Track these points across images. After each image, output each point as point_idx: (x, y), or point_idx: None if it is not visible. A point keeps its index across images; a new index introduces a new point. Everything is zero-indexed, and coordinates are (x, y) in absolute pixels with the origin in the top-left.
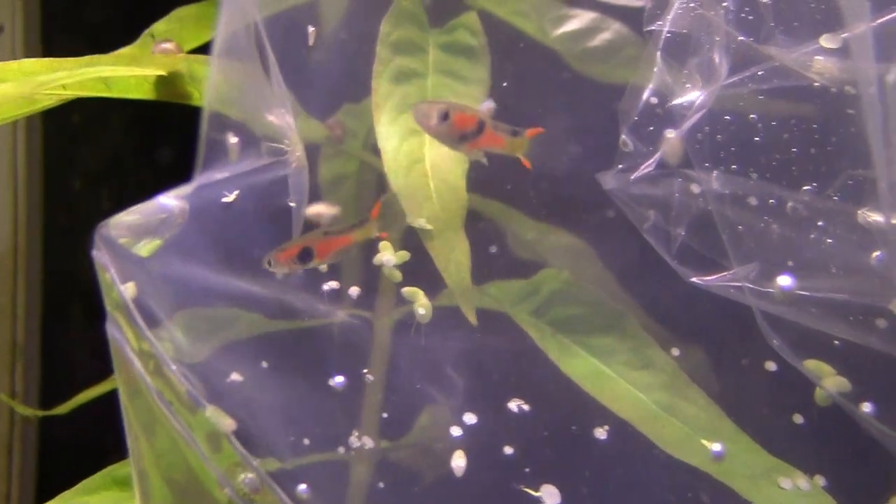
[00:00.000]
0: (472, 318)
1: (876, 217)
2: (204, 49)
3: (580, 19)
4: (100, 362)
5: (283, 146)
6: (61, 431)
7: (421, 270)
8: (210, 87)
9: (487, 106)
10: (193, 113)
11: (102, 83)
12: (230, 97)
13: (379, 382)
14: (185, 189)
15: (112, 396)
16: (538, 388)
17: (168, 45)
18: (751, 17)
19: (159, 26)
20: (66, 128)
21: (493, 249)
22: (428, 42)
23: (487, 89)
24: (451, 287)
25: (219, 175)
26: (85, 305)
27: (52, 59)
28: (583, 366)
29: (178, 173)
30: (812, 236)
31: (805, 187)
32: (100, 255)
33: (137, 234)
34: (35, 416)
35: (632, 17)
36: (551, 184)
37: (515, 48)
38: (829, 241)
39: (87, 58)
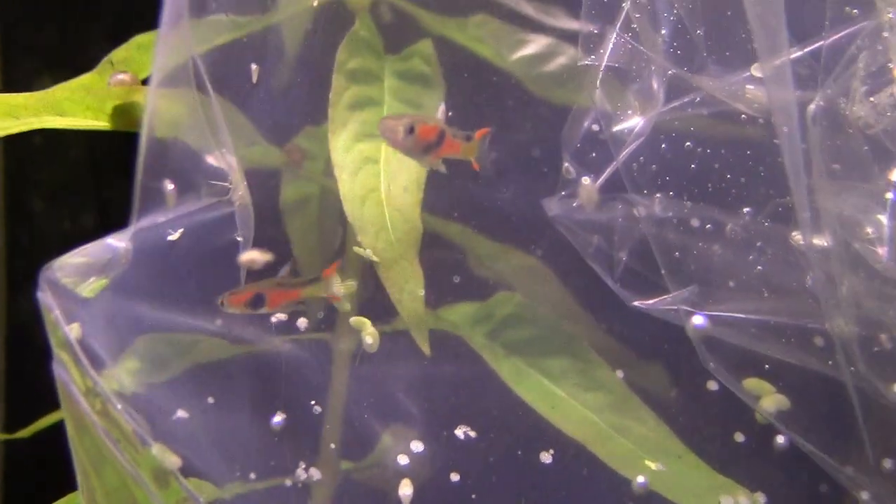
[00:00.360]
0: (426, 349)
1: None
2: None
3: (536, 44)
4: None
5: (226, 185)
6: (25, 454)
7: (377, 296)
8: (145, 128)
9: (441, 109)
10: None
11: (59, 114)
12: (167, 140)
13: (328, 412)
14: (127, 232)
15: None
16: (490, 413)
17: (124, 77)
18: (684, 49)
19: (119, 53)
20: (28, 149)
21: (450, 271)
22: (384, 70)
23: (443, 116)
24: (405, 317)
25: (160, 219)
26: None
27: (8, 95)
28: (535, 388)
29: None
30: (749, 259)
31: (740, 212)
32: (44, 297)
33: (82, 275)
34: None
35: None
36: (509, 204)
37: (474, 72)
38: (765, 264)
39: (43, 93)
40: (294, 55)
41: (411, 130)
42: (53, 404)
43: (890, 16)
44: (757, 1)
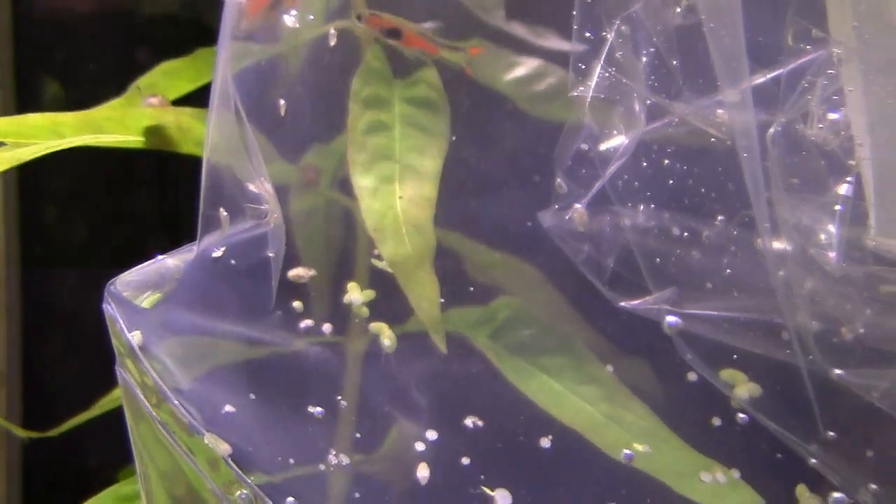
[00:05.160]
0: (443, 347)
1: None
2: (186, 100)
3: (527, 66)
4: (79, 387)
5: (263, 208)
6: (44, 455)
7: (391, 302)
8: (206, 152)
9: (429, 26)
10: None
11: (98, 132)
12: (221, 166)
13: (352, 406)
14: (187, 254)
15: (93, 422)
16: (495, 405)
17: (155, 100)
18: (661, 78)
19: (145, 80)
20: (41, 158)
21: (454, 278)
22: (394, 95)
23: (448, 139)
24: (424, 321)
25: (215, 242)
26: (63, 331)
27: (55, 114)
28: (535, 383)
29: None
30: (721, 263)
31: (713, 221)
32: (109, 309)
33: (140, 290)
34: (25, 439)
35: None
36: (507, 217)
37: (471, 93)
38: (735, 267)
39: (84, 113)
40: (306, 78)
41: (359, 18)
42: (68, 408)
43: (838, 51)
44: (719, 37)
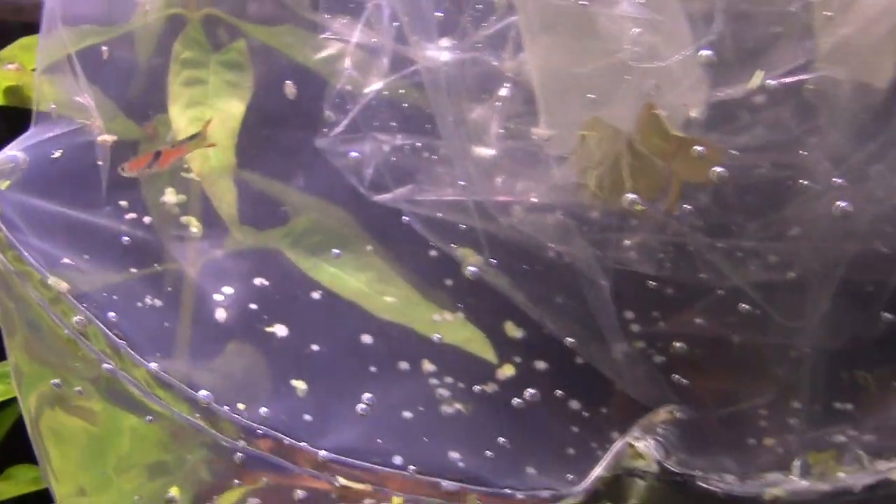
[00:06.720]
0: (239, 236)
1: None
2: None
3: (334, 47)
4: None
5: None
6: None
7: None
8: (35, 105)
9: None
10: None
11: None
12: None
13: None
14: (25, 139)
15: None
16: (300, 296)
17: (13, 67)
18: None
19: (5, 52)
20: None
21: (260, 206)
22: (209, 59)
23: (251, 91)
24: (224, 218)
25: (48, 133)
26: None
27: None
28: (327, 274)
29: None
30: (441, 165)
31: (435, 140)
32: None
33: None
34: None
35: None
36: (296, 147)
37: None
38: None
39: None
40: (146, 55)
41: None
42: None
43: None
44: None
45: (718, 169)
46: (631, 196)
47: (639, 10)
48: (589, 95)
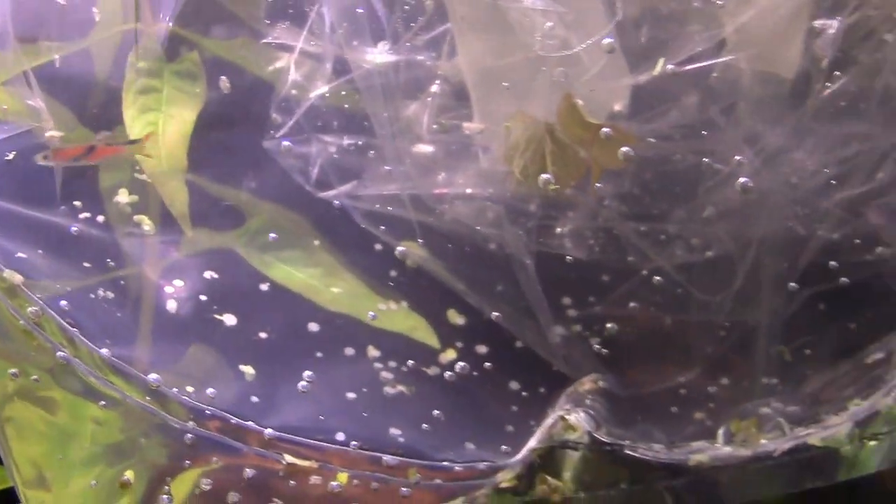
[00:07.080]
0: (189, 231)
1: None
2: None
3: (284, 60)
4: None
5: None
6: None
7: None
8: None
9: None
10: None
11: None
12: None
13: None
14: None
15: None
16: (253, 293)
17: None
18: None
19: None
20: None
21: (214, 209)
22: (164, 70)
23: (203, 99)
24: (176, 216)
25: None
26: None
27: None
28: (279, 271)
29: None
30: (381, 163)
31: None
32: None
33: None
34: None
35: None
36: (249, 149)
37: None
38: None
39: None
40: (103, 68)
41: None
42: None
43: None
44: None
45: (625, 149)
46: (545, 176)
47: (548, 3)
48: (512, 88)
